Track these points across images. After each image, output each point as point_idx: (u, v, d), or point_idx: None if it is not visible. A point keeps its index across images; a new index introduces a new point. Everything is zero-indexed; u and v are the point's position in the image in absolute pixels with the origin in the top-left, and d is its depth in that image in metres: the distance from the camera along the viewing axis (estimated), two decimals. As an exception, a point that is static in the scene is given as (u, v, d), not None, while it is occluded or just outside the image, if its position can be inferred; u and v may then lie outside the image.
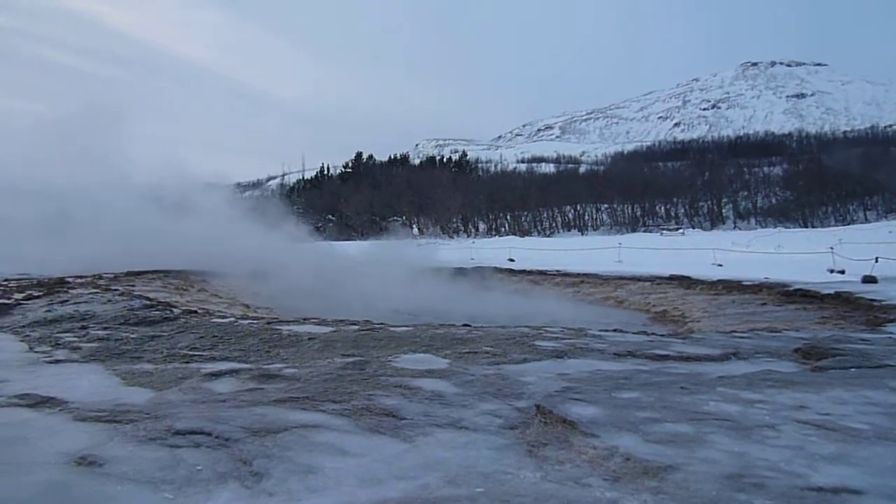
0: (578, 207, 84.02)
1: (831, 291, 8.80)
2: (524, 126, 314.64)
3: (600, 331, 5.41)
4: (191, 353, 4.29)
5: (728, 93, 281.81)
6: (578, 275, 15.91)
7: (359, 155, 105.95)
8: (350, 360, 3.86)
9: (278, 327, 5.39)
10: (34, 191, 16.51)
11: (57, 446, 2.14)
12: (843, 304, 8.09)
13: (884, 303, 7.50)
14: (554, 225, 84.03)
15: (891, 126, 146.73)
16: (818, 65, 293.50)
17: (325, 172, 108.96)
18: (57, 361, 3.89)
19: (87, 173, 17.41)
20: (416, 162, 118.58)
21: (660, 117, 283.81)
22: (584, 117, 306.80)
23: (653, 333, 5.50)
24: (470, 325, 5.92)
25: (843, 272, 14.26)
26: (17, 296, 7.33)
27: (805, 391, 2.93)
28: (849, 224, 57.92)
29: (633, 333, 5.39)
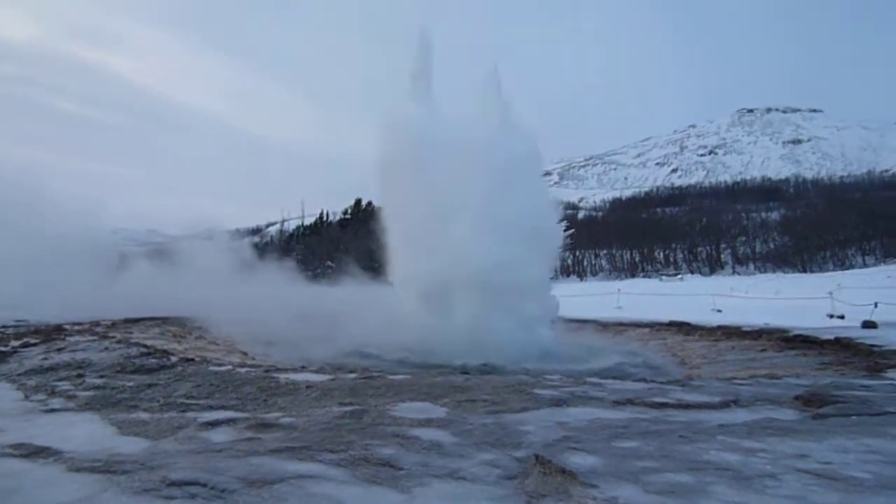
0: (577, 253, 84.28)
1: (831, 337, 8.76)
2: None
3: (599, 378, 5.38)
4: (187, 401, 4.25)
5: (725, 139, 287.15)
6: (578, 321, 15.88)
7: (358, 202, 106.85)
8: (348, 408, 3.83)
9: (276, 375, 5.36)
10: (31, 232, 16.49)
11: (51, 497, 2.12)
12: (843, 350, 8.05)
13: (884, 348, 7.47)
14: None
15: (887, 171, 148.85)
16: (814, 111, 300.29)
17: (325, 219, 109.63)
18: (52, 410, 3.85)
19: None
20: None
21: (657, 163, 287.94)
22: (581, 163, 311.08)
23: (652, 381, 5.47)
24: (468, 373, 5.89)
25: (842, 317, 14.27)
26: (14, 343, 7.29)
27: (806, 439, 2.91)
28: (847, 269, 58.04)
29: (633, 381, 5.35)
